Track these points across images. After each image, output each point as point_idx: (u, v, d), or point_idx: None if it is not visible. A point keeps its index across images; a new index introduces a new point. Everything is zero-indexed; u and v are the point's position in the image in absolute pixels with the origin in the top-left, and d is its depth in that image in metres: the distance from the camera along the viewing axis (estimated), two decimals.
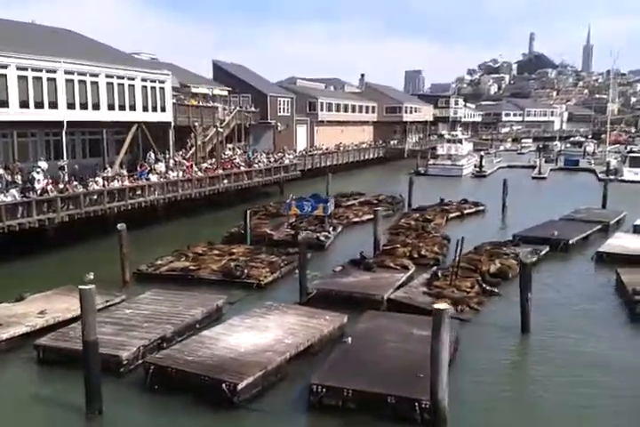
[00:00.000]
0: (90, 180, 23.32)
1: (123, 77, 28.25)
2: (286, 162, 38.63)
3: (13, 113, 22.85)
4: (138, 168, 27.56)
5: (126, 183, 24.64)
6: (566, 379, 11.81)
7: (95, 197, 23.03)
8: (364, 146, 61.86)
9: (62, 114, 24.92)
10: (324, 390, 10.28)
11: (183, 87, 42.52)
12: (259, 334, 12.45)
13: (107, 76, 27.23)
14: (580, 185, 47.78)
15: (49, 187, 21.90)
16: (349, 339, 12.29)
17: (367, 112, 71.37)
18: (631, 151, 53.45)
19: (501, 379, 12.13)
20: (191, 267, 18.37)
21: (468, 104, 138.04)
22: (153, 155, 29.26)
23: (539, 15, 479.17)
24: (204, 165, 31.23)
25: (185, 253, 20.21)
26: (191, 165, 30.26)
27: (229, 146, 43.19)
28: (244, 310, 14.45)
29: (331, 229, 24.98)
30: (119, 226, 17.83)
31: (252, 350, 11.63)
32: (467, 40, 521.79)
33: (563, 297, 17.18)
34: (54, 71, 24.55)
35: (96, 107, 26.75)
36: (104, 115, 27.17)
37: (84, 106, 26.11)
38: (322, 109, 58.81)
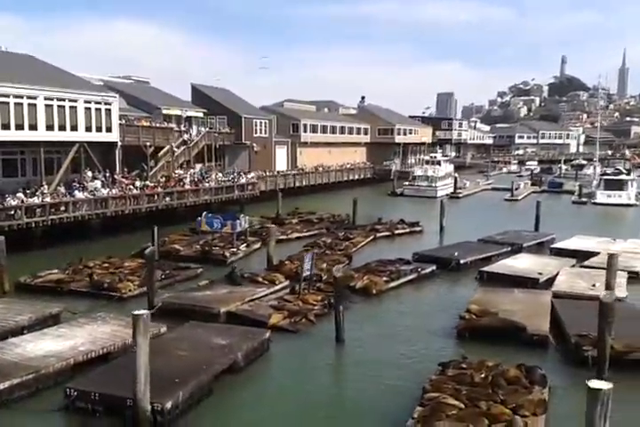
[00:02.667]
0: (8, 196, 24.50)
1: (64, 99, 29.71)
2: (242, 181, 39.48)
3: None
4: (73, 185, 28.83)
5: (47, 199, 25.77)
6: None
7: (12, 211, 24.18)
8: (348, 166, 62.46)
9: None
10: (76, 393, 10.94)
11: (155, 109, 44.31)
12: (59, 342, 13.18)
13: (45, 99, 28.72)
14: (549, 208, 47.53)
15: None
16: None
17: (359, 133, 72.24)
18: (604, 174, 52.97)
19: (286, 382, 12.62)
20: (66, 279, 19.26)
21: (480, 126, 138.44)
22: (90, 173, 30.51)
23: (572, 38, 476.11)
24: (144, 183, 32.23)
25: (74, 266, 21.14)
26: (131, 183, 31.35)
27: (198, 165, 44.61)
28: (75, 320, 15.23)
29: (244, 246, 25.68)
30: None
31: (37, 356, 12.35)
32: (499, 63, 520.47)
33: (403, 310, 17.68)
34: None
35: (33, 127, 28.21)
36: (42, 135, 28.59)
37: (19, 126, 27.59)
38: (305, 131, 59.87)
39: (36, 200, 25.47)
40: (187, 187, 34.21)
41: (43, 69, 32.32)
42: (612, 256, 17.67)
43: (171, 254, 24.26)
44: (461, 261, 22.83)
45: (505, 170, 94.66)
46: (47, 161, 30.73)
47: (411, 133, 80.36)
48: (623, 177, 49.25)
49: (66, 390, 11.05)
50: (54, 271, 20.15)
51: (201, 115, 48.36)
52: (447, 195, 54.95)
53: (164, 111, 44.44)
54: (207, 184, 36.40)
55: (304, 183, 52.24)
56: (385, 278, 19.86)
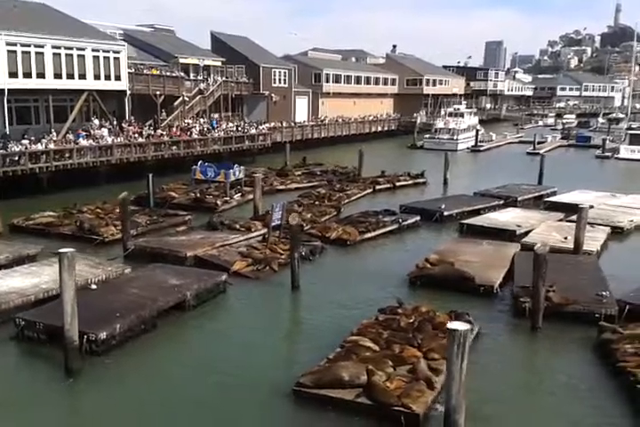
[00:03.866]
0: (11, 142, 25.50)
1: (71, 48, 30.26)
2: (252, 132, 39.77)
3: None
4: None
5: (51, 146, 26.71)
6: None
7: (16, 157, 25.23)
8: (371, 118, 61.84)
9: (2, 82, 27.24)
10: (23, 322, 11.89)
11: (172, 58, 44.55)
12: (26, 280, 14.14)
13: (53, 47, 29.31)
14: (570, 161, 46.70)
15: None
16: (94, 286, 13.82)
17: (386, 84, 71.08)
18: (630, 128, 51.16)
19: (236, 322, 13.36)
20: (55, 222, 20.29)
21: (521, 77, 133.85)
22: (97, 121, 31.30)
23: None
24: (150, 132, 32.87)
25: (69, 210, 22.15)
26: (138, 132, 32.06)
27: (215, 115, 45.02)
28: (47, 260, 16.19)
29: (238, 195, 26.28)
30: None
31: (1, 292, 13.32)
32: (553, 10, 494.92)
33: (370, 260, 18.26)
34: None
35: (41, 75, 28.95)
36: (50, 83, 29.34)
37: (27, 75, 28.36)
38: (327, 81, 59.28)
39: (39, 147, 26.40)
40: (194, 136, 34.69)
41: (53, 18, 32.76)
42: (581, 210, 17.59)
43: (166, 202, 25.07)
44: (445, 213, 22.99)
45: (541, 123, 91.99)
46: (58, 109, 31.65)
47: (441, 84, 78.59)
48: None
49: (15, 320, 12.00)
50: (46, 215, 21.15)
51: (219, 64, 48.25)
52: (468, 148, 54.31)
53: (181, 60, 44.59)
54: (216, 134, 36.75)
55: (322, 135, 52.10)
56: (362, 229, 20.19)
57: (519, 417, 9.62)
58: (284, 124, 48.29)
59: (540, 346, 12.49)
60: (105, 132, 30.51)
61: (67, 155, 27.42)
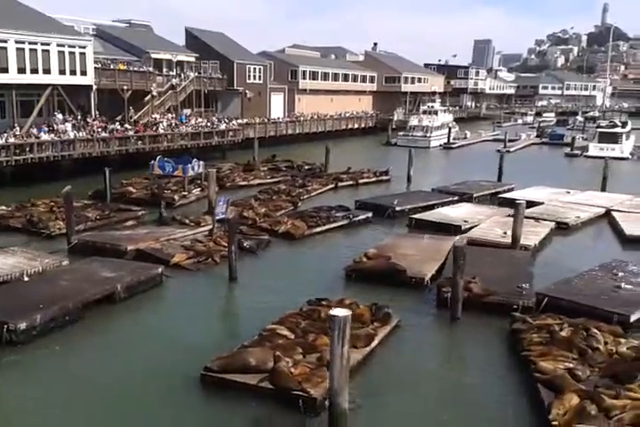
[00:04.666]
0: None
1: (35, 43, 30.31)
2: (222, 128, 39.95)
3: None
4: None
5: (11, 140, 26.79)
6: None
7: None
8: (347, 115, 62.14)
9: None
10: None
11: (144, 53, 44.60)
12: None
13: (17, 42, 29.35)
14: (538, 159, 47.38)
15: None
16: (26, 278, 14.03)
17: (364, 81, 71.37)
18: (599, 126, 51.86)
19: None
20: (6, 215, 20.47)
21: (505, 75, 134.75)
22: (60, 115, 31.37)
23: None
24: (114, 127, 32.95)
25: (23, 204, 22.30)
26: (102, 127, 32.14)
27: (187, 111, 45.12)
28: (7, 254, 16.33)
29: (197, 190, 26.49)
30: None
31: None
32: (542, 10, 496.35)
33: (314, 253, 18.60)
34: None
35: (4, 70, 28.98)
36: (13, 77, 29.37)
37: None
38: (304, 78, 59.51)
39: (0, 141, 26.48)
40: (160, 131, 34.83)
41: (19, 13, 32.69)
42: (518, 206, 17.97)
43: (124, 196, 25.25)
44: (397, 209, 23.35)
45: (520, 121, 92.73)
46: (25, 103, 31.71)
47: (420, 82, 79.02)
48: (618, 130, 48.24)
49: None
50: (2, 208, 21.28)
51: (192, 59, 48.40)
52: (441, 145, 54.80)
53: (153, 55, 44.72)
54: (184, 129, 36.90)
55: (297, 131, 52.33)
56: (311, 224, 20.50)
57: (411, 404, 9.95)
58: (257, 121, 48.43)
59: (455, 335, 12.87)
60: (68, 126, 30.57)
61: (27, 149, 27.46)
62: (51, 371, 10.79)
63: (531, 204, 24.89)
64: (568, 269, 15.98)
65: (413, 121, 56.42)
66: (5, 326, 11.21)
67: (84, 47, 33.01)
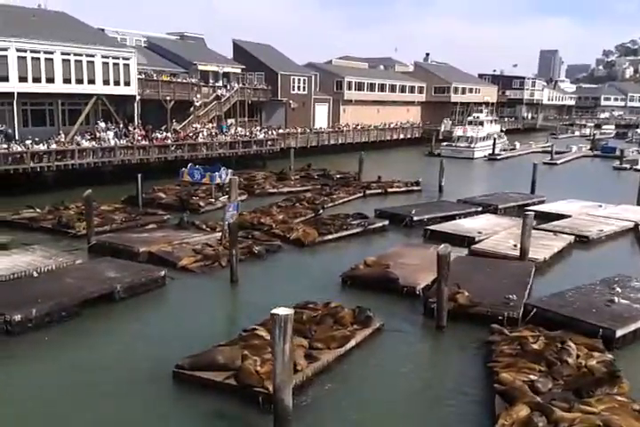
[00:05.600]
0: (13, 142, 27.21)
1: (81, 54, 32.01)
2: (260, 137, 40.83)
3: None
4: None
5: (53, 146, 28.34)
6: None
7: (19, 156, 26.93)
8: (392, 126, 62.19)
9: (13, 86, 29.11)
10: None
11: (191, 65, 46.27)
12: None
13: (63, 54, 31.11)
14: (584, 172, 46.11)
15: None
16: (35, 273, 14.94)
17: (413, 92, 71.29)
18: None
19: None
20: (38, 217, 21.74)
21: (565, 86, 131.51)
22: (102, 124, 32.91)
23: None
24: (155, 135, 34.29)
25: (57, 206, 23.57)
26: (143, 135, 33.52)
27: (231, 121, 46.37)
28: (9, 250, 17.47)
29: (224, 197, 27.22)
30: None
31: None
32: (611, 19, 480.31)
33: (318, 259, 18.91)
34: (5, 49, 28.73)
35: (50, 80, 30.75)
36: (59, 87, 31.11)
37: (37, 80, 30.18)
38: (349, 88, 60.01)
39: (41, 147, 28.04)
40: (199, 140, 35.96)
41: (69, 26, 34.65)
42: (525, 217, 17.75)
43: (154, 201, 26.31)
44: (415, 219, 23.39)
45: (577, 133, 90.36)
46: (71, 112, 33.49)
47: (471, 92, 78.20)
48: None
49: None
50: (31, 210, 22.58)
51: (238, 71, 49.74)
52: (485, 156, 54.10)
53: (200, 67, 46.30)
54: (223, 138, 37.95)
55: (340, 142, 52.77)
56: (323, 231, 20.83)
57: (362, 404, 10.12)
58: (299, 130, 49.19)
59: (434, 343, 12.92)
60: (110, 134, 32.03)
61: (68, 155, 28.96)
62: (39, 361, 11.49)
63: (557, 216, 24.72)
64: (572, 283, 15.68)
65: (458, 132, 55.96)
66: (2, 318, 12.03)
67: (128, 59, 34.57)
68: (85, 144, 30.06)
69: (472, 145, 53.60)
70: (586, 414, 8.84)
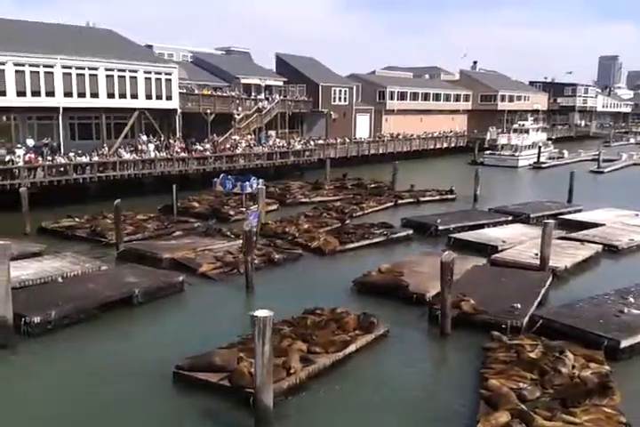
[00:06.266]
0: (57, 155, 28.65)
1: (124, 70, 33.44)
2: (297, 148, 41.44)
3: (9, 100, 28.93)
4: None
5: (95, 159, 29.68)
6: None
7: (62, 169, 28.33)
8: (436, 135, 61.86)
9: (58, 101, 30.70)
10: None
11: (234, 79, 47.55)
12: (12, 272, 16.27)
13: (106, 70, 32.60)
14: (630, 181, 44.61)
15: (27, 157, 27.72)
16: (60, 279, 15.79)
17: (458, 100, 70.77)
18: None
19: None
20: (75, 226, 22.84)
21: (622, 93, 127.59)
22: (144, 137, 34.18)
23: None
24: (195, 147, 35.36)
25: (96, 216, 24.68)
26: (183, 148, 34.65)
27: (271, 132, 47.27)
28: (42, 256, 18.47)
29: (255, 206, 27.85)
30: (21, 190, 22.78)
31: None
32: None
33: (336, 268, 19.08)
34: (51, 66, 30.36)
35: (94, 95, 32.25)
36: (102, 102, 32.58)
37: (81, 95, 31.72)
38: (392, 98, 60.14)
39: (83, 159, 29.40)
40: (237, 151, 36.83)
41: (114, 43, 36.24)
42: (546, 225, 17.52)
43: (188, 210, 27.17)
44: (441, 228, 23.34)
45: (633, 140, 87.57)
46: (115, 126, 34.93)
47: (519, 100, 76.99)
48: None
49: None
50: (70, 219, 23.73)
51: (280, 83, 50.68)
52: (530, 165, 53.14)
53: (243, 80, 47.50)
54: (260, 149, 38.74)
55: (381, 151, 52.85)
56: (344, 240, 21.10)
57: (347, 407, 10.33)
58: (339, 141, 49.61)
59: (435, 350, 12.99)
60: (151, 147, 33.24)
61: (110, 167, 30.24)
62: (52, 360, 12.17)
63: (590, 225, 24.21)
64: (590, 292, 15.42)
65: (502, 140, 55.22)
66: (23, 319, 12.82)
67: (170, 74, 35.84)
68: (126, 156, 31.28)
69: (516, 153, 52.80)
70: (566, 424, 8.79)
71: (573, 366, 10.79)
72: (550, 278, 16.54)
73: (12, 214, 23.63)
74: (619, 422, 9.08)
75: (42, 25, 34.51)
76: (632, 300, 14.00)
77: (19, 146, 28.34)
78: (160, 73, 35.37)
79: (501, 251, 20.06)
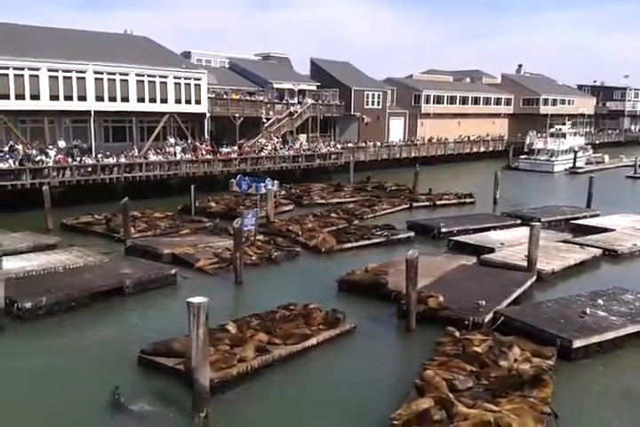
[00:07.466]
0: (83, 157, 30.26)
1: (154, 76, 34.96)
2: (323, 151, 42.12)
3: (42, 104, 30.74)
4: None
5: (122, 160, 31.15)
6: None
7: (90, 169, 29.91)
8: (472, 139, 61.44)
9: (90, 104, 32.41)
10: None
11: (267, 83, 48.76)
12: (20, 263, 17.46)
13: (137, 75, 34.18)
14: None
15: (57, 158, 29.43)
16: (61, 269, 16.93)
17: (499, 104, 70.03)
18: None
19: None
20: (93, 222, 24.20)
21: None
22: (172, 139, 35.57)
23: None
24: (225, 149, 36.59)
25: (115, 213, 25.95)
26: (211, 150, 35.88)
27: (302, 136, 48.22)
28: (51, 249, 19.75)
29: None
30: (44, 188, 24.30)
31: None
32: None
33: (326, 266, 19.58)
34: (84, 72, 32.09)
35: (125, 99, 33.85)
36: (133, 106, 34.15)
37: (112, 99, 33.36)
38: (427, 102, 60.16)
39: (110, 160, 30.91)
40: (262, 154, 37.83)
41: (146, 50, 37.88)
42: (532, 228, 17.62)
43: (205, 210, 28.24)
44: (443, 230, 23.54)
45: None
46: (146, 129, 36.51)
47: (563, 104, 75.54)
48: None
49: None
50: (88, 216, 25.10)
51: (314, 88, 51.59)
52: (566, 170, 52.21)
53: (276, 85, 48.63)
54: (286, 152, 39.62)
55: (413, 155, 52.94)
56: (343, 239, 21.63)
57: (297, 397, 10.89)
58: (371, 144, 50.05)
59: (397, 345, 13.41)
60: (178, 149, 34.58)
61: (137, 168, 31.67)
62: (41, 342, 13.19)
63: (599, 230, 23.99)
64: (568, 295, 15.51)
65: (538, 144, 54.46)
66: (15, 304, 13.93)
67: (199, 79, 37.19)
68: (152, 158, 32.66)
69: (552, 158, 52.01)
70: (484, 411, 9.12)
71: (516, 360, 11.05)
72: (532, 279, 16.64)
73: (40, 211, 25.17)
74: (542, 411, 9.34)
75: (77, 32, 36.39)
76: (601, 302, 14.03)
77: (50, 147, 30.03)
78: (189, 78, 36.76)
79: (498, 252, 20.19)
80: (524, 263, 18.03)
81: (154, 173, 32.53)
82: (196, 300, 9.48)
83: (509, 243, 21.19)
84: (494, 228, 24.49)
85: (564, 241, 21.79)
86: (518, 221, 25.54)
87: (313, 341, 12.78)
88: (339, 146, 45.15)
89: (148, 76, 34.73)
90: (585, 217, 27.29)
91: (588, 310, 13.30)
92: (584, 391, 11.07)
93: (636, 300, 14.51)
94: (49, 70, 30.86)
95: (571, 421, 9.95)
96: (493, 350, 11.39)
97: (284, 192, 33.52)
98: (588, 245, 20.91)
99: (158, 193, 32.07)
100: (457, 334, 12.37)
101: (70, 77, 31.68)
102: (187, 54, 48.41)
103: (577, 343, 11.96)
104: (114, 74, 33.25)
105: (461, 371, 10.64)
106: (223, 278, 18.08)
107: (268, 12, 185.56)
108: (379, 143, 51.03)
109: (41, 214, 24.93)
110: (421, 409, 9.26)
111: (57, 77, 31.23)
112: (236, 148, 38.42)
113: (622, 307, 13.87)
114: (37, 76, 30.55)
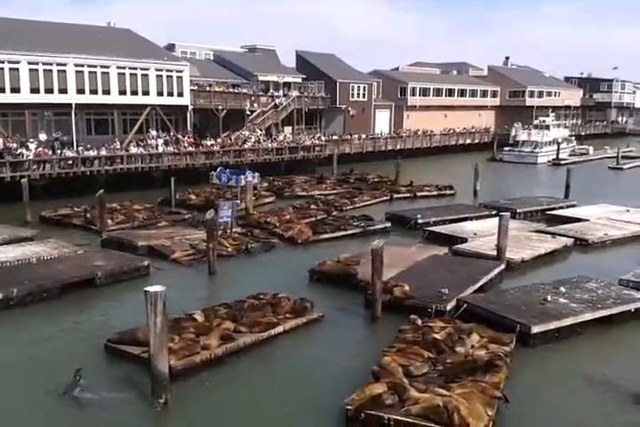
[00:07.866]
0: (64, 149, 30.25)
1: (135, 68, 34.91)
2: (307, 143, 42.23)
3: (23, 97, 30.68)
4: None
5: (103, 153, 31.17)
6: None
7: (70, 162, 29.91)
8: (458, 131, 61.68)
9: (70, 97, 32.35)
10: None
11: (252, 76, 48.77)
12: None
13: (118, 68, 34.12)
14: None
15: (37, 151, 29.41)
16: (34, 260, 17.03)
17: (485, 96, 70.28)
18: None
19: None
20: (71, 215, 24.27)
21: None
22: (154, 132, 35.58)
23: None
24: (207, 142, 36.63)
25: (94, 206, 26.01)
26: (193, 143, 35.92)
27: (287, 128, 48.31)
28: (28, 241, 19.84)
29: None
30: (23, 181, 24.33)
31: None
32: None
33: (299, 257, 19.82)
34: (64, 64, 32.02)
35: (106, 92, 33.81)
36: (114, 99, 34.11)
37: (93, 91, 33.31)
38: (413, 94, 60.29)
39: (91, 153, 30.93)
40: (245, 146, 37.91)
41: (129, 42, 37.78)
42: (501, 217, 17.89)
43: (184, 202, 28.35)
44: (420, 221, 23.80)
45: None
46: (128, 122, 36.47)
47: (549, 96, 75.88)
48: None
49: None
50: (67, 209, 25.17)
51: (299, 80, 51.61)
52: (549, 161, 52.59)
53: (261, 78, 48.65)
54: (269, 145, 39.70)
55: (398, 147, 53.10)
56: (319, 231, 21.83)
57: (260, 382, 11.13)
58: (355, 137, 50.18)
59: (362, 332, 13.68)
60: (160, 142, 34.60)
61: (117, 160, 31.69)
62: (10, 332, 13.34)
63: (573, 220, 24.33)
64: (536, 282, 15.81)
65: (522, 136, 54.78)
66: None
67: (181, 71, 37.17)
68: (134, 150, 32.69)
69: (536, 150, 52.36)
70: (434, 395, 9.37)
71: (473, 346, 11.31)
72: (501, 268, 16.93)
73: (20, 204, 25.22)
74: (492, 396, 9.59)
75: (58, 25, 36.26)
76: (563, 289, 14.32)
77: (31, 140, 30.01)
78: (172, 70, 36.74)
79: (470, 242, 20.46)
80: (495, 253, 18.32)
81: (135, 166, 32.57)
82: (153, 288, 9.66)
83: (482, 233, 21.46)
84: (470, 218, 24.79)
85: (538, 231, 22.06)
86: (494, 212, 25.79)
87: (279, 329, 13.01)
88: (323, 138, 45.23)
89: (130, 68, 34.71)
90: (561, 208, 27.61)
91: (549, 298, 13.59)
92: (540, 376, 11.35)
93: (599, 288, 14.79)
94: (29, 63, 30.79)
95: (524, 404, 10.24)
96: (452, 337, 11.63)
97: (266, 184, 33.69)
98: (559, 235, 21.22)
99: (140, 186, 32.10)
100: (419, 321, 12.59)
101: (51, 70, 31.63)
102: (171, 47, 48.29)
103: (535, 329, 12.24)
104: (95, 66, 33.21)
105: (418, 357, 10.87)
106: (197, 270, 18.26)
107: (256, 4, 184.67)
108: (364, 136, 51.13)
109: (20, 207, 25.01)
110: (375, 394, 9.49)
111: (37, 70, 31.16)
112: (219, 140, 38.46)
113: (585, 295, 14.15)
114: (17, 69, 30.46)
